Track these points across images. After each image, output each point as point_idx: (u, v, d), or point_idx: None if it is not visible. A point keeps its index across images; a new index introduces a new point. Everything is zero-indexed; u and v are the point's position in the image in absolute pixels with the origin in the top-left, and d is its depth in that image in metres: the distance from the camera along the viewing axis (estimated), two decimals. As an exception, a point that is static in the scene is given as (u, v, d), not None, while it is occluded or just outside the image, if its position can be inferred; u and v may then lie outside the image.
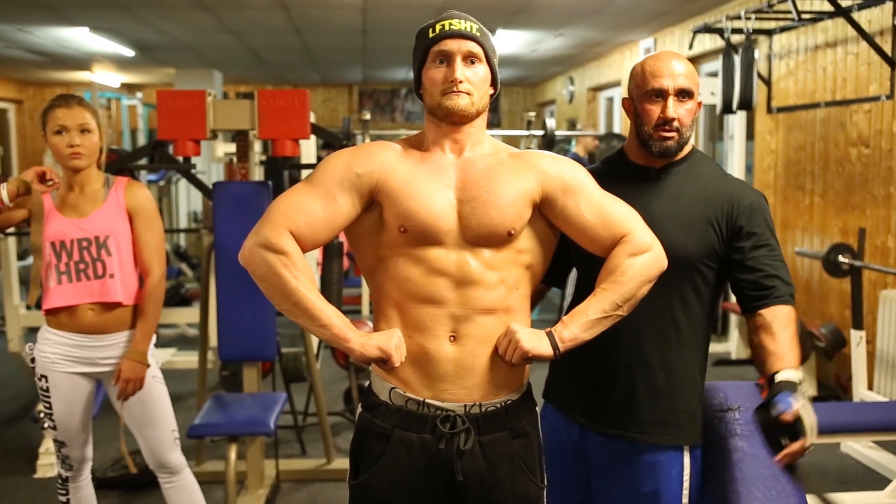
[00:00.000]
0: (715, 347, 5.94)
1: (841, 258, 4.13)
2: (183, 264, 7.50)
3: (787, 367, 1.70)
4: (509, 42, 8.01)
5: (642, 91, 1.79)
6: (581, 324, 1.61)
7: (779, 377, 1.69)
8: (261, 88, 3.00)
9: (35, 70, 10.45)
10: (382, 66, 10.53)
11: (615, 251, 1.64)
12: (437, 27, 1.62)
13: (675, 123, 1.76)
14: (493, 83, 1.68)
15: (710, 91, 5.75)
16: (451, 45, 1.60)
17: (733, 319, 5.81)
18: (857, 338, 4.01)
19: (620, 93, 8.94)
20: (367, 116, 5.61)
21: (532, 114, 5.91)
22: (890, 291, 4.15)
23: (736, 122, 5.95)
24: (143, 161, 4.45)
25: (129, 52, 8.68)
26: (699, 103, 1.83)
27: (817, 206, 5.09)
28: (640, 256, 1.63)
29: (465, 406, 1.61)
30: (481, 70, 1.63)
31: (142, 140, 9.77)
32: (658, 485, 1.81)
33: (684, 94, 1.76)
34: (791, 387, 1.66)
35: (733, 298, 6.17)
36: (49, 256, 2.47)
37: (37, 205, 2.49)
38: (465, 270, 1.59)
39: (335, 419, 4.37)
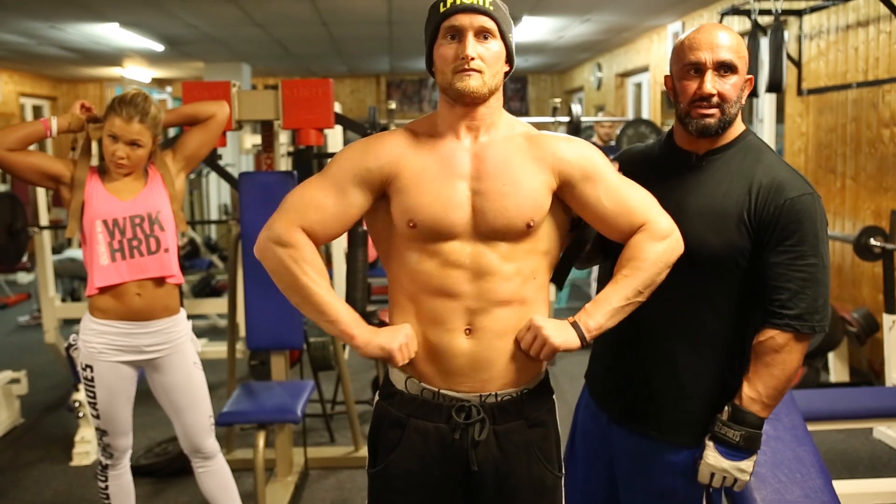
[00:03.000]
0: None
1: (872, 241, 4.06)
2: (214, 256, 7.58)
3: (740, 402, 1.66)
4: (535, 29, 7.96)
5: (680, 65, 1.66)
6: (605, 312, 1.58)
7: (724, 415, 1.68)
8: (288, 80, 2.95)
9: (68, 67, 10.61)
10: (409, 57, 10.53)
11: (635, 238, 1.61)
12: (448, 1, 1.55)
13: (715, 99, 1.62)
14: (509, 59, 1.61)
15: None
16: (462, 20, 1.53)
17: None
18: (889, 322, 3.95)
19: (648, 78, 8.86)
20: (393, 105, 5.59)
21: (558, 100, 5.87)
22: (924, 274, 4.07)
23: (766, 105, 5.87)
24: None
25: (159, 47, 8.77)
26: (749, 79, 1.68)
27: (849, 189, 5.01)
28: (660, 243, 1.60)
29: (480, 396, 1.60)
30: (494, 46, 1.55)
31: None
32: (677, 484, 1.76)
33: (726, 67, 1.62)
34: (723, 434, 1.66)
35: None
36: (99, 234, 2.49)
37: (82, 168, 2.52)
38: (480, 263, 1.56)
39: (363, 407, 4.40)
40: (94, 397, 2.57)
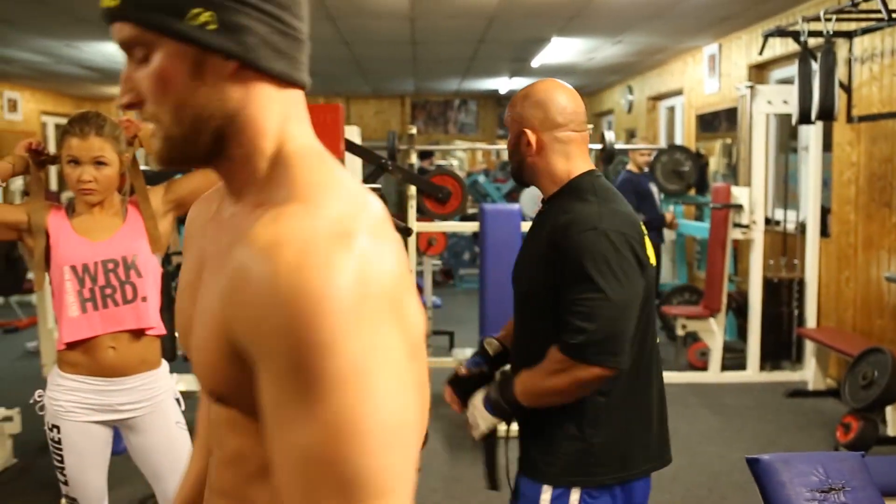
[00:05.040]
0: (790, 376, 5.48)
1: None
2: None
3: (512, 375, 1.78)
4: (564, 50, 7.67)
5: None
6: None
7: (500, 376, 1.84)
8: (311, 102, 2.61)
9: (89, 85, 10.50)
10: (434, 77, 10.31)
11: None
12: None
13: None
14: (231, 54, 0.83)
15: (782, 99, 5.34)
16: (112, 36, 0.87)
17: (809, 346, 5.34)
18: (959, 376, 3.56)
19: (682, 102, 8.52)
20: (414, 130, 5.25)
21: (589, 126, 5.55)
22: None
23: (811, 133, 5.51)
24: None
25: (178, 67, 8.61)
26: (524, 133, 1.79)
27: (906, 225, 4.63)
28: None
29: None
30: (158, 62, 0.84)
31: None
32: None
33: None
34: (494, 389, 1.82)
35: (808, 324, 5.55)
36: (67, 283, 2.21)
37: (37, 211, 2.24)
38: (215, 429, 0.97)
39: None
40: (62, 461, 2.28)
